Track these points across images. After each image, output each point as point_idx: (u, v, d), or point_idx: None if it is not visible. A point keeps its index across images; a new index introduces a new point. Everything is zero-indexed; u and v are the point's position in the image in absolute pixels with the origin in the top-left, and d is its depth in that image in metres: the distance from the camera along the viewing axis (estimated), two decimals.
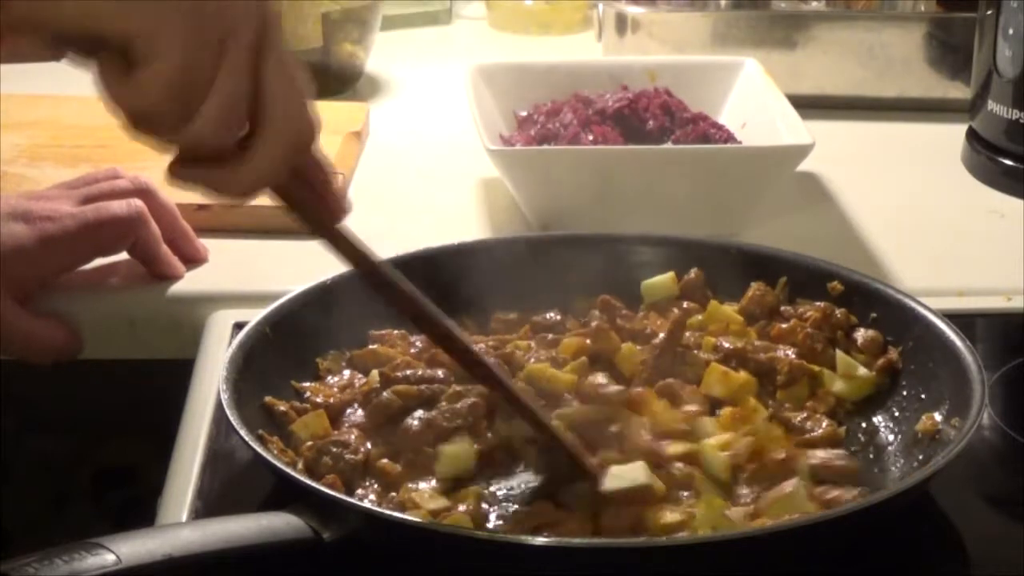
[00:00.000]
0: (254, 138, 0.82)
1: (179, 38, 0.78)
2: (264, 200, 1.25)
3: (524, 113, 1.33)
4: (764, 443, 0.93)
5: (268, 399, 0.97)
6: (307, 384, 1.01)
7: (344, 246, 0.91)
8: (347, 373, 1.02)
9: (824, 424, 0.97)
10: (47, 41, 0.79)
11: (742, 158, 1.26)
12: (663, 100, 1.31)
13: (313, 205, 0.89)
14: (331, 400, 0.99)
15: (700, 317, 1.06)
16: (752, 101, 1.35)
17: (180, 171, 0.83)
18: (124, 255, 1.16)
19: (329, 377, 1.02)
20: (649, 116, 1.29)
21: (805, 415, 0.98)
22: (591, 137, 1.26)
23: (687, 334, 1.04)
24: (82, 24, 0.78)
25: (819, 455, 0.93)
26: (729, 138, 1.30)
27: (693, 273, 1.09)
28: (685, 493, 0.90)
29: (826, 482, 0.91)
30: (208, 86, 0.79)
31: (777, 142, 1.27)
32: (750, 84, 1.36)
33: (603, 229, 1.13)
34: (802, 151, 1.23)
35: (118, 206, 1.12)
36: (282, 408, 0.96)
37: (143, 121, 0.80)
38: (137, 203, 1.13)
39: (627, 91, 1.32)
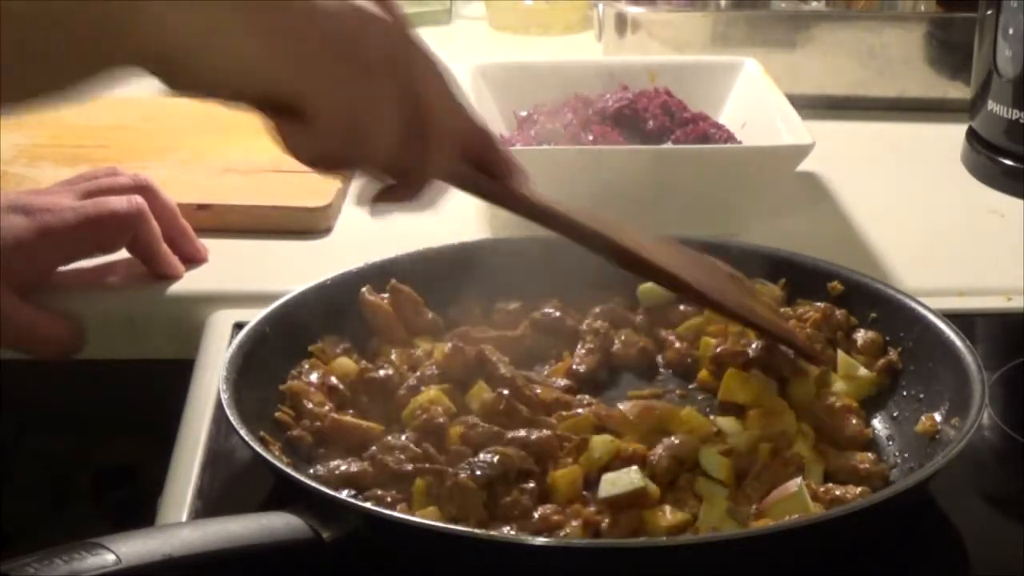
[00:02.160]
0: (425, 145, 0.87)
1: (340, 85, 0.82)
2: (264, 200, 1.26)
3: (524, 113, 1.33)
4: (788, 442, 0.93)
5: (279, 414, 0.97)
6: (305, 365, 1.01)
7: (529, 211, 0.95)
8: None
9: (853, 422, 0.97)
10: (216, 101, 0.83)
11: (742, 158, 1.25)
12: (663, 100, 1.31)
13: (484, 179, 0.93)
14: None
15: (698, 320, 1.06)
16: (752, 101, 1.35)
17: (376, 205, 0.89)
18: (124, 253, 1.16)
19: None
20: (649, 116, 1.29)
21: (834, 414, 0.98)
22: (591, 137, 1.26)
23: (683, 343, 1.05)
24: (249, 89, 0.82)
25: (847, 457, 0.93)
26: (729, 138, 1.30)
27: None
28: (691, 494, 0.90)
29: (848, 483, 0.91)
30: (373, 117, 0.84)
31: (777, 142, 1.27)
32: (750, 84, 1.36)
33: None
34: (802, 151, 1.23)
35: (118, 201, 1.13)
36: (297, 434, 0.96)
37: (323, 163, 0.86)
38: (137, 199, 1.13)
39: (627, 91, 1.32)
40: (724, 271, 1.04)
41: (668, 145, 1.28)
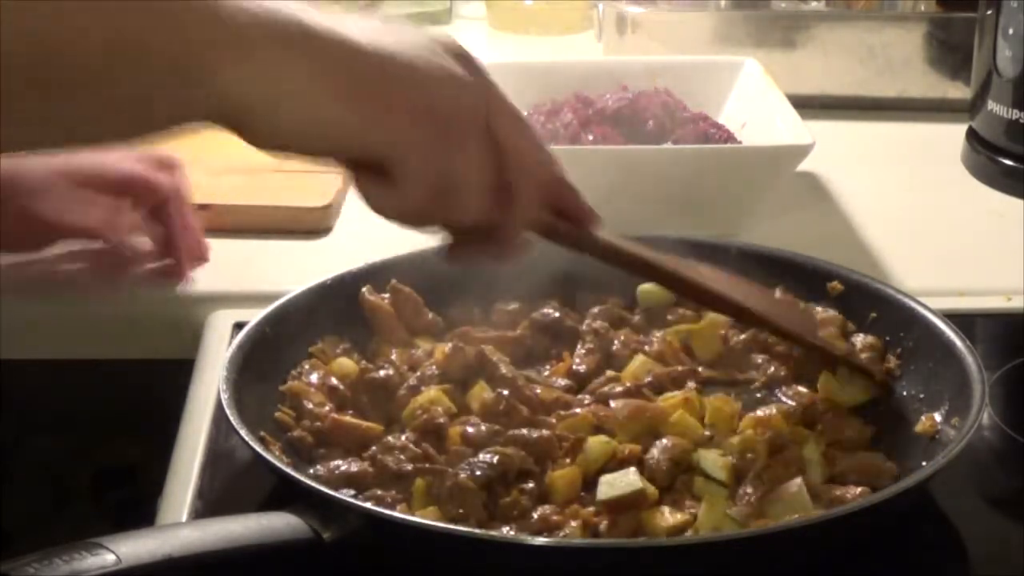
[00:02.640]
0: (510, 198, 0.86)
1: (427, 147, 0.81)
2: (264, 200, 1.26)
3: (524, 113, 1.33)
4: (786, 443, 0.93)
5: (279, 414, 0.97)
6: (305, 366, 1.01)
7: (606, 254, 0.95)
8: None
9: (853, 422, 0.97)
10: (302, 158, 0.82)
11: (742, 158, 1.25)
12: (663, 100, 1.31)
13: (566, 226, 0.92)
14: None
15: (687, 327, 1.06)
16: (752, 101, 1.35)
17: (457, 255, 0.89)
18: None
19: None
20: (649, 116, 1.29)
21: (833, 413, 0.98)
22: (591, 137, 1.26)
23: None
24: (332, 150, 0.81)
25: (855, 457, 0.93)
26: (729, 138, 1.30)
27: None
28: (687, 495, 0.90)
29: (858, 483, 0.91)
30: (461, 177, 0.83)
31: (777, 142, 1.27)
32: (750, 84, 1.36)
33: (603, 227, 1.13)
34: (802, 151, 1.23)
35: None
36: (297, 435, 0.96)
37: (409, 220, 0.85)
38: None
39: (627, 91, 1.32)
40: (785, 298, 1.05)
41: (668, 145, 1.28)
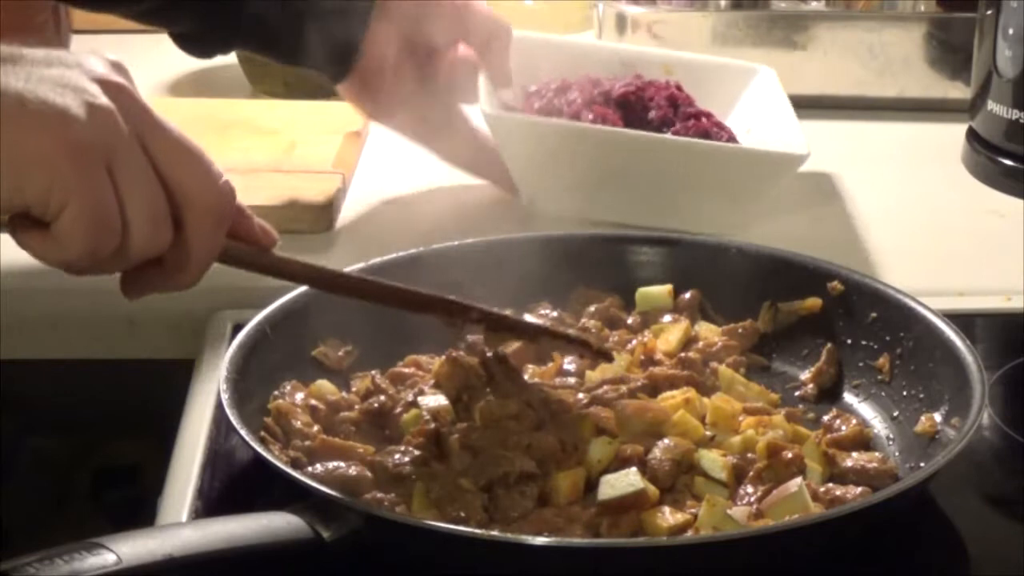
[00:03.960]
0: (184, 225, 0.83)
1: (72, 179, 0.78)
2: (264, 200, 1.26)
3: (533, 88, 1.33)
4: (783, 443, 0.93)
5: (272, 406, 0.96)
6: (287, 387, 0.99)
7: (291, 270, 0.93)
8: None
9: (852, 423, 0.98)
10: None
11: (732, 159, 1.24)
12: (671, 92, 1.30)
13: (245, 249, 0.90)
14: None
15: (678, 335, 1.06)
16: (760, 108, 1.34)
17: (133, 289, 0.85)
18: None
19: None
20: (654, 105, 1.29)
21: (834, 414, 0.98)
22: (591, 116, 1.26)
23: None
24: None
25: (855, 457, 0.93)
26: (730, 139, 1.29)
27: (690, 294, 1.09)
28: (688, 495, 0.90)
29: (856, 484, 0.91)
30: (117, 208, 0.80)
31: (770, 147, 1.26)
32: (762, 91, 1.35)
33: (589, 213, 1.12)
34: (796, 160, 1.23)
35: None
36: (292, 454, 0.95)
37: (84, 265, 0.81)
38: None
39: (639, 79, 1.32)
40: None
41: (660, 134, 1.26)
